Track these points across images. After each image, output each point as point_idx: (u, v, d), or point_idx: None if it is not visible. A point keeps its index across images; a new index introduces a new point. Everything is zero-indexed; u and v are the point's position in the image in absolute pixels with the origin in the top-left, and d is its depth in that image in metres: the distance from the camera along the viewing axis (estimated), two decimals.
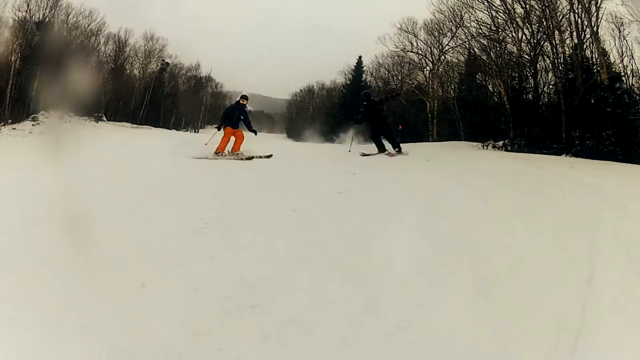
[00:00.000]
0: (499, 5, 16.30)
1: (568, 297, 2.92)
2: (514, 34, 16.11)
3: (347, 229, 4.56)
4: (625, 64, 14.81)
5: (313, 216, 5.02)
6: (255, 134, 13.23)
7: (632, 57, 14.73)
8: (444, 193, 6.79)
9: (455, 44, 17.54)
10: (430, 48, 18.10)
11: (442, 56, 17.93)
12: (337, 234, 4.36)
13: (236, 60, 19.07)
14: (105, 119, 18.42)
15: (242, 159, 12.10)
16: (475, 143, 15.69)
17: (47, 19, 18.74)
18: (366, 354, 2.30)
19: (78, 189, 5.36)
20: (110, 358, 2.17)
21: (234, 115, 12.84)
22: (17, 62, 18.07)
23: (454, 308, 2.82)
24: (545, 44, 15.63)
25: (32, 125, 17.93)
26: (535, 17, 15.76)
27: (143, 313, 2.57)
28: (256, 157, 12.24)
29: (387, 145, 13.37)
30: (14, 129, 17.55)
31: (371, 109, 13.52)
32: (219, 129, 12.73)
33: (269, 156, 12.46)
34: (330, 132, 17.56)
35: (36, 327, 2.40)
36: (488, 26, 16.49)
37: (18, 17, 18.24)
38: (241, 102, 13.25)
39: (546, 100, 15.59)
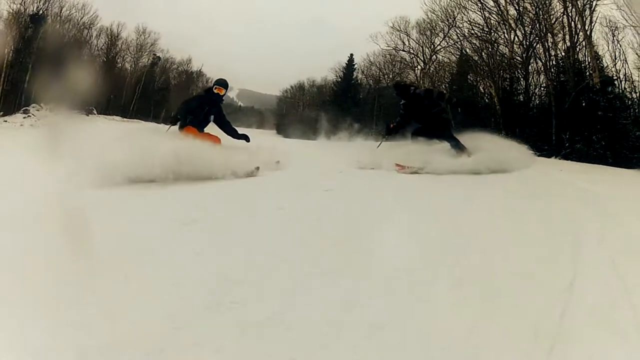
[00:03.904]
0: (492, 7, 16.38)
1: (548, 301, 2.89)
2: (506, 35, 16.17)
3: (330, 228, 4.55)
4: (618, 68, 14.92)
5: (298, 214, 5.01)
6: (248, 141, 8.59)
7: (626, 61, 14.85)
8: (431, 192, 6.78)
9: (447, 44, 17.62)
10: (422, 47, 18.18)
11: (434, 56, 18.00)
12: (320, 233, 4.34)
13: (228, 55, 19.11)
14: (95, 113, 18.36)
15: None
16: None
17: (41, 12, 18.70)
18: (344, 354, 2.28)
19: None
20: (93, 351, 2.15)
21: (202, 111, 8.19)
22: (10, 54, 18.06)
23: (433, 309, 2.79)
24: (538, 46, 15.69)
25: (24, 118, 17.91)
26: (528, 19, 15.81)
27: (126, 307, 2.56)
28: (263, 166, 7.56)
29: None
30: (6, 121, 17.54)
31: (414, 107, 9.09)
32: (174, 124, 8.21)
33: (277, 163, 8.26)
34: (321, 129, 17.55)
35: (21, 320, 2.38)
36: (480, 27, 16.55)
37: (12, 10, 18.23)
38: (215, 90, 8.31)
39: (537, 102, 15.66)
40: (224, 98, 8.60)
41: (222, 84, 8.45)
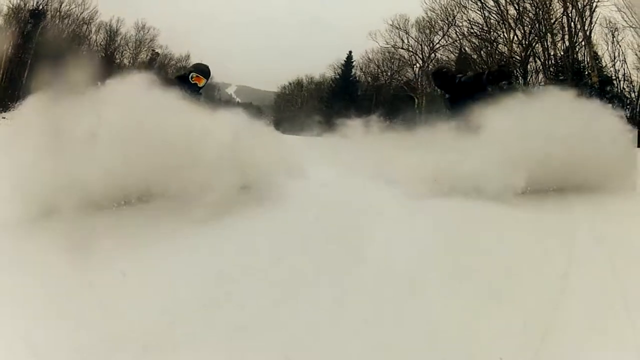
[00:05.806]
0: (492, 6, 16.42)
1: (541, 298, 2.85)
2: (505, 34, 16.20)
3: (327, 224, 4.49)
4: (617, 68, 14.94)
5: (297, 212, 4.95)
6: None
7: (625, 61, 14.87)
8: (427, 191, 6.70)
9: (446, 42, 17.65)
10: (421, 45, 18.22)
11: (433, 54, 18.02)
12: (318, 230, 4.29)
13: (226, 51, 19.06)
14: None
15: None
16: None
17: (41, 7, 18.72)
18: (338, 353, 2.24)
19: None
20: (90, 346, 2.12)
21: None
22: (9, 50, 18.06)
23: (424, 305, 2.74)
24: (537, 45, 15.71)
25: None
26: (528, 19, 15.83)
27: (122, 302, 2.53)
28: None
29: None
30: (4, 117, 17.53)
31: (462, 101, 5.49)
32: None
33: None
34: (318, 125, 17.50)
35: (19, 318, 2.35)
36: (480, 26, 16.58)
37: (12, 5, 18.25)
38: (193, 80, 5.67)
39: None
40: (201, 91, 5.99)
41: (203, 71, 5.89)
